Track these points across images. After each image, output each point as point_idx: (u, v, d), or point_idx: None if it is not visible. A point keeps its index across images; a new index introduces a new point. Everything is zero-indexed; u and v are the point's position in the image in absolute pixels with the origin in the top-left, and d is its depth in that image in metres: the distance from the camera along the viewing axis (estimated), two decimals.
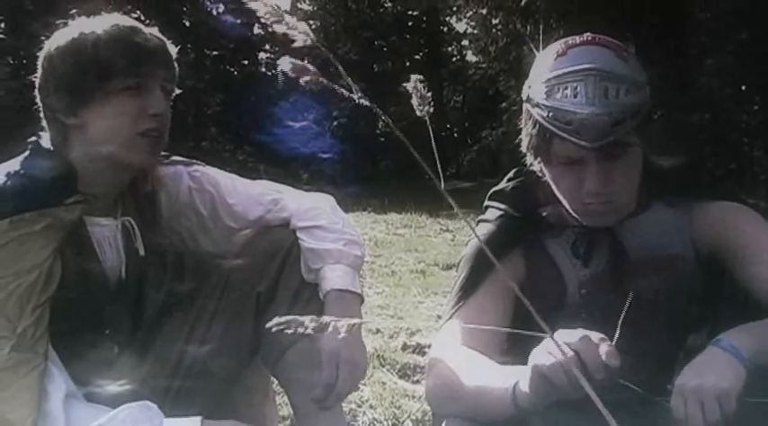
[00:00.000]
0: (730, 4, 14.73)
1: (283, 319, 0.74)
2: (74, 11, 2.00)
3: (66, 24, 1.92)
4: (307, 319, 0.74)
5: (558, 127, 1.71)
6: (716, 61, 15.83)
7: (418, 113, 0.78)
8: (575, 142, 1.70)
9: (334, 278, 2.05)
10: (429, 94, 0.78)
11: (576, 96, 1.69)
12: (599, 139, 1.69)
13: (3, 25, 21.71)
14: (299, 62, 0.73)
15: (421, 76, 0.79)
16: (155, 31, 1.96)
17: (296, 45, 0.72)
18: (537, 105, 1.76)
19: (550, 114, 1.72)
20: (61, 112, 1.88)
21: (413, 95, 0.78)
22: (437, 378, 1.82)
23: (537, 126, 1.76)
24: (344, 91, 0.74)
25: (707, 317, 1.92)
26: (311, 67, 0.73)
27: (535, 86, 1.78)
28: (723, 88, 15.79)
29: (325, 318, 0.74)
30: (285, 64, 0.73)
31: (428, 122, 0.78)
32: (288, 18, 0.72)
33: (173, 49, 1.99)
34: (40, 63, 1.91)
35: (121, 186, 2.01)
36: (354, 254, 2.12)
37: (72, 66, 1.85)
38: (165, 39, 1.97)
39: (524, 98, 1.83)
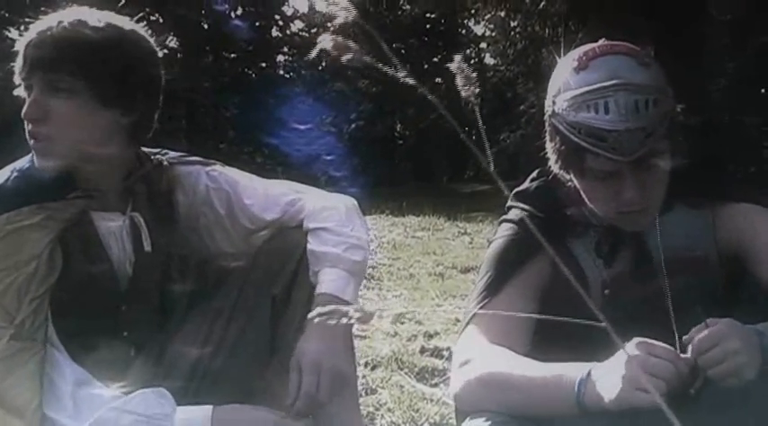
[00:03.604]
0: (753, 6, 14.63)
1: (326, 309, 0.73)
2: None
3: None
4: (351, 309, 0.73)
5: (592, 143, 1.70)
6: (737, 64, 15.74)
7: (463, 94, 0.77)
8: (610, 157, 1.70)
9: (326, 281, 2.05)
10: (474, 75, 0.77)
11: (607, 113, 1.68)
12: (634, 153, 1.69)
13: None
14: (341, 39, 0.71)
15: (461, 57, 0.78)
16: (88, 17, 1.88)
17: (337, 22, 0.70)
18: (565, 122, 1.74)
19: (582, 131, 1.71)
20: None
21: (457, 76, 0.76)
22: (474, 374, 1.79)
23: (567, 142, 1.76)
24: (389, 70, 0.73)
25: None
26: (354, 45, 0.71)
27: (560, 103, 1.76)
28: (742, 91, 15.69)
29: (371, 308, 0.73)
30: (326, 41, 0.72)
31: (473, 103, 0.76)
32: None
33: (86, 42, 1.85)
34: None
35: (116, 181, 2.01)
36: (353, 260, 2.10)
37: None
38: (76, 33, 1.85)
39: (549, 113, 1.82)
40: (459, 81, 0.76)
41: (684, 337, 1.58)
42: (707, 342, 1.53)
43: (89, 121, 1.87)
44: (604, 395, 1.52)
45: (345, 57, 0.72)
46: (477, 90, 0.77)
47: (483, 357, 1.80)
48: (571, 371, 1.61)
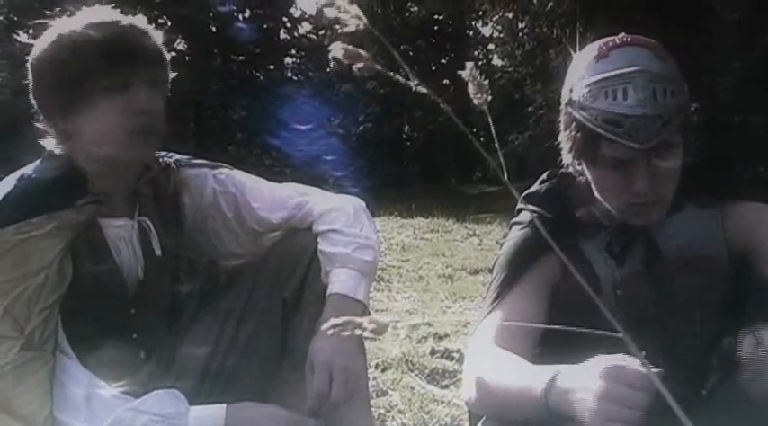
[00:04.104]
0: (761, 5, 14.60)
1: (339, 321, 0.73)
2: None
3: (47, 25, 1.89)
4: (365, 320, 0.72)
5: (608, 130, 1.71)
6: (745, 64, 15.71)
7: (476, 102, 0.77)
8: (625, 144, 1.70)
9: (337, 282, 2.04)
10: (486, 82, 0.77)
11: (626, 98, 1.69)
12: (650, 140, 1.70)
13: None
14: (351, 48, 0.71)
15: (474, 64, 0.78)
16: (138, 20, 1.92)
17: (347, 30, 0.70)
18: (582, 108, 1.75)
19: (598, 117, 1.72)
20: (55, 118, 1.88)
21: (469, 83, 0.76)
22: (471, 378, 1.80)
23: (582, 129, 1.76)
24: (400, 78, 0.72)
25: (739, 320, 1.91)
26: (364, 53, 0.71)
27: (578, 90, 1.77)
28: (750, 90, 15.65)
29: (384, 319, 0.73)
30: (337, 50, 0.71)
31: (486, 111, 0.76)
32: (339, 1, 0.70)
33: (157, 39, 1.94)
34: (29, 68, 1.89)
35: (130, 184, 2.02)
36: (363, 259, 2.10)
37: (55, 72, 1.84)
38: (147, 30, 1.92)
39: (566, 101, 1.83)
40: (470, 89, 0.76)
41: (738, 350, 1.56)
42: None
43: None
44: (573, 411, 1.47)
45: (357, 66, 0.71)
46: (489, 97, 0.77)
47: (484, 361, 1.80)
48: (540, 377, 1.57)
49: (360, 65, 0.71)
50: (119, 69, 1.85)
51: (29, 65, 1.88)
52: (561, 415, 1.52)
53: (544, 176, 2.07)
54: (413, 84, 0.72)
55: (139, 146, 1.91)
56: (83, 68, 1.82)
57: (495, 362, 1.76)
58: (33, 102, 1.91)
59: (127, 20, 1.90)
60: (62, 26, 1.86)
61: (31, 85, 1.90)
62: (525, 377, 1.64)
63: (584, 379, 1.48)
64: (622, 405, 1.41)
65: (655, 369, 1.48)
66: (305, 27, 29.20)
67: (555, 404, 1.52)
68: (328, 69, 26.71)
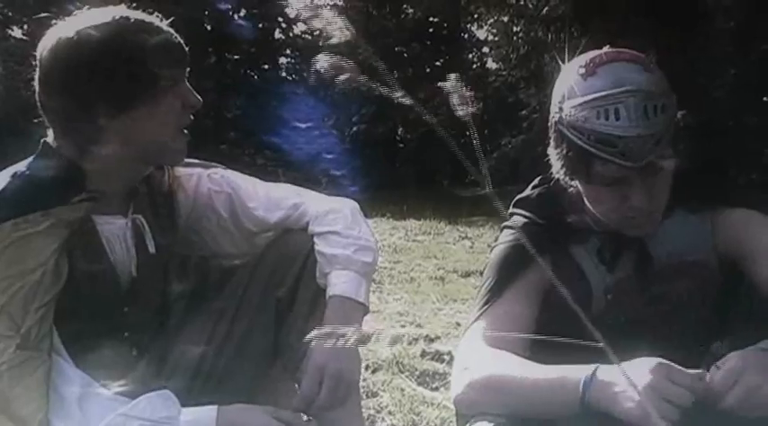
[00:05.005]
0: (755, 11, 14.59)
1: (323, 330, 0.73)
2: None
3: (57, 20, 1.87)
4: (349, 330, 0.72)
5: (602, 150, 1.71)
6: (740, 69, 15.71)
7: (458, 114, 0.77)
8: (620, 163, 1.70)
9: (338, 284, 2.05)
10: (470, 94, 0.77)
11: (618, 119, 1.69)
12: (644, 158, 1.70)
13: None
14: (336, 59, 0.71)
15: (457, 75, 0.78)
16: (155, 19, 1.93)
17: (333, 41, 0.70)
18: (573, 127, 1.74)
19: (591, 137, 1.72)
20: (95, 116, 1.83)
21: (451, 95, 0.76)
22: (476, 377, 1.79)
23: (574, 148, 1.76)
24: (385, 89, 0.72)
25: (728, 325, 1.92)
26: (349, 65, 0.71)
27: (568, 109, 1.76)
28: (745, 95, 15.65)
29: (368, 329, 0.73)
30: (322, 61, 0.72)
31: (470, 123, 0.76)
32: (325, 13, 0.70)
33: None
34: (50, 63, 1.83)
35: (135, 182, 2.02)
36: (363, 261, 2.10)
37: (107, 71, 1.80)
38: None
39: (555, 120, 1.81)
40: (454, 100, 0.76)
41: (701, 372, 1.57)
42: (727, 381, 1.53)
43: None
44: (614, 405, 1.53)
45: (341, 78, 0.71)
46: (472, 109, 0.77)
47: (485, 360, 1.80)
48: (574, 372, 1.62)
49: (344, 76, 0.71)
50: (172, 68, 1.88)
51: (51, 56, 1.82)
52: (597, 409, 1.56)
53: (536, 181, 2.07)
54: (397, 94, 0.72)
55: (183, 141, 1.95)
56: (152, 69, 1.83)
57: (509, 362, 1.77)
58: (55, 98, 1.85)
59: (156, 19, 1.92)
60: (87, 24, 1.82)
61: (60, 83, 1.83)
62: (556, 371, 1.66)
63: (631, 374, 1.52)
64: (665, 400, 1.47)
65: (694, 372, 1.55)
66: (300, 27, 29.15)
67: (594, 397, 1.56)
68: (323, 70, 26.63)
